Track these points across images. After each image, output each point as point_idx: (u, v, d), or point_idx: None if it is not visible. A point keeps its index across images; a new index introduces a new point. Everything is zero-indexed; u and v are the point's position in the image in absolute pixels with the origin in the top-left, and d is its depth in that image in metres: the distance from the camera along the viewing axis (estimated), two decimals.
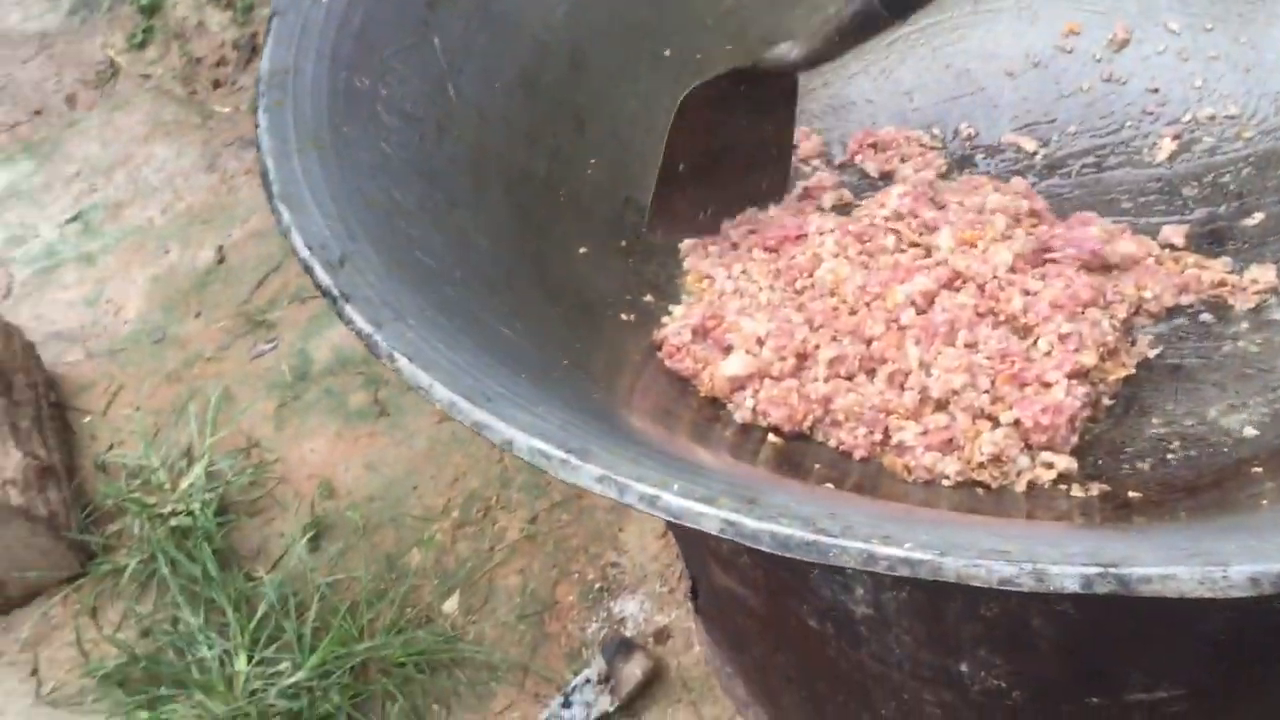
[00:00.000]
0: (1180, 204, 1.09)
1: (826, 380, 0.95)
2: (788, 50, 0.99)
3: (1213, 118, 1.11)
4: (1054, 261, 1.02)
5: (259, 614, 1.49)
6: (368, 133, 0.90)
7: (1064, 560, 0.53)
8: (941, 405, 0.93)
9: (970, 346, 0.95)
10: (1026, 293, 0.98)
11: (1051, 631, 0.87)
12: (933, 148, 1.18)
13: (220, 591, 1.52)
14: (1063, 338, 0.94)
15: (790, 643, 1.11)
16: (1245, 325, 0.98)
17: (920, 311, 0.98)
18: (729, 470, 0.78)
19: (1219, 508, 0.80)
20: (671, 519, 0.60)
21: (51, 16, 2.53)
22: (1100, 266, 1.02)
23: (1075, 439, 0.90)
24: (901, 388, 0.94)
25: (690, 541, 1.20)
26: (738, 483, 0.63)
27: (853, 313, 1.00)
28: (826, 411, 0.93)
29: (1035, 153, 1.15)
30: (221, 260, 2.01)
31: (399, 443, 1.70)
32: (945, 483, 0.88)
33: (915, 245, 1.07)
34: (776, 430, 0.93)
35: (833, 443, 0.93)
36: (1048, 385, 0.91)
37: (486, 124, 1.02)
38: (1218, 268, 1.02)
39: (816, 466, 0.92)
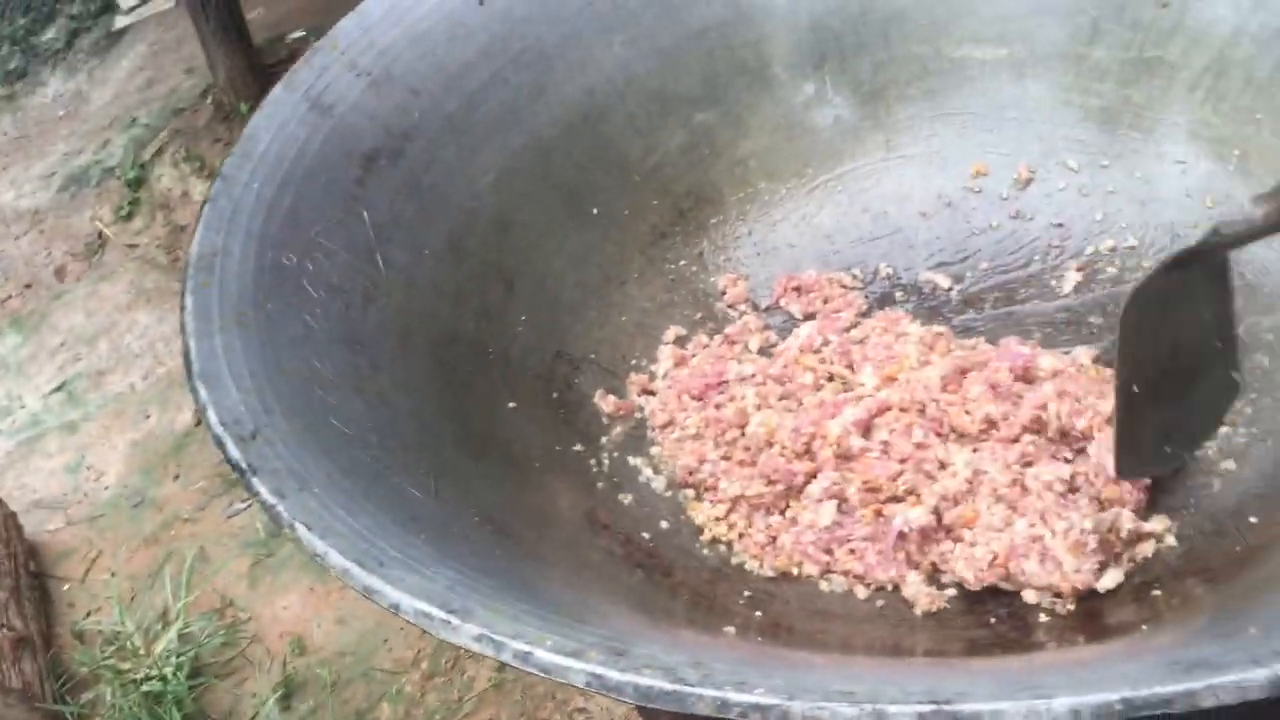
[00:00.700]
0: (1088, 332, 1.13)
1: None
2: (1250, 210, 0.80)
3: (1114, 249, 1.17)
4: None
5: None
6: (291, 306, 0.95)
7: (903, 699, 0.55)
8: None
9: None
10: (966, 410, 1.01)
11: None
12: (854, 288, 1.23)
13: None
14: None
15: None
16: None
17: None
18: (628, 620, 0.80)
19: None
20: (543, 674, 0.62)
21: (43, 194, 2.64)
22: (1027, 379, 1.05)
23: None
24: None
25: None
26: (613, 635, 0.66)
27: (798, 457, 1.04)
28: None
29: (950, 289, 1.20)
30: (199, 423, 2.06)
31: None
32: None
33: (831, 379, 1.11)
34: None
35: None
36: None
37: (414, 289, 1.07)
38: None
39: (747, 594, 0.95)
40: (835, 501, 0.99)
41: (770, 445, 1.06)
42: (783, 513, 1.02)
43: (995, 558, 0.91)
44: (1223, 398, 0.93)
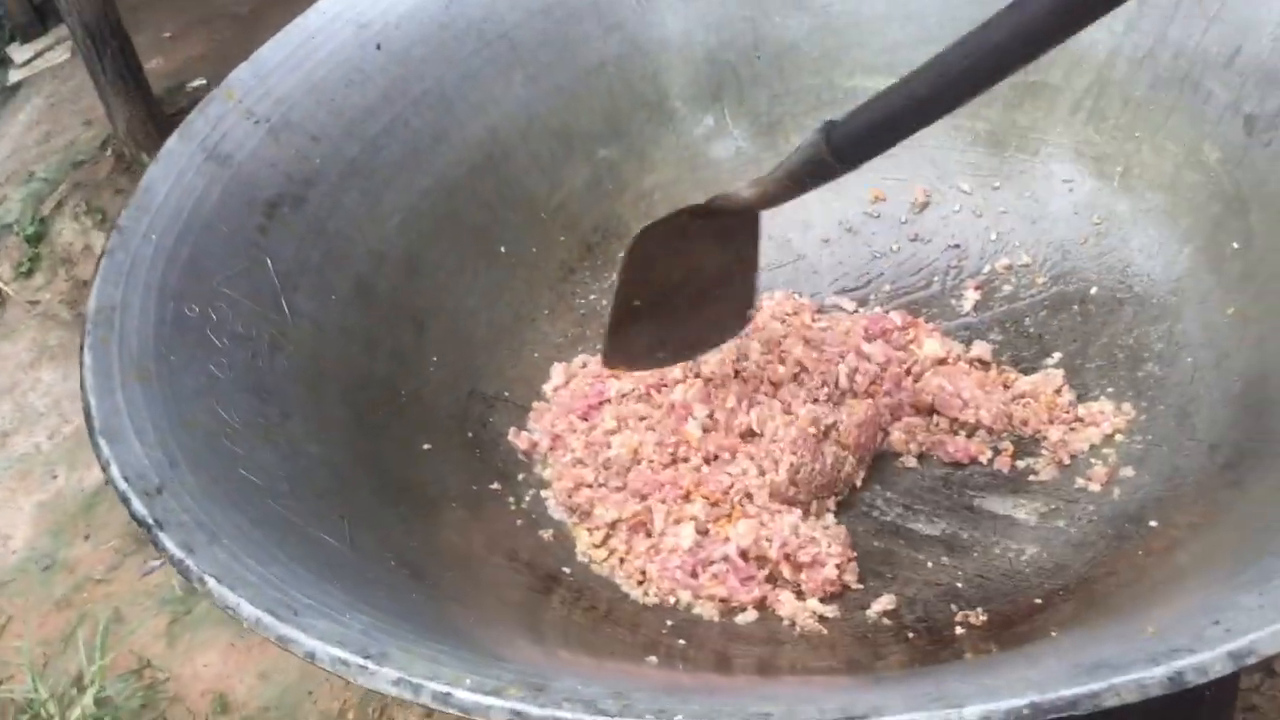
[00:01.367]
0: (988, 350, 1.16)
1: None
2: (742, 189, 0.98)
3: (1009, 267, 1.20)
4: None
5: None
6: (195, 358, 0.93)
7: (818, 717, 0.56)
8: None
9: None
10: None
11: None
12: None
13: None
14: None
15: None
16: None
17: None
18: (543, 652, 0.80)
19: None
20: (464, 713, 0.62)
21: None
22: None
23: None
24: None
25: None
26: (531, 671, 0.66)
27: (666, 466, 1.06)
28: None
29: (854, 311, 1.23)
30: (109, 480, 2.00)
31: None
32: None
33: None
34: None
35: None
36: None
37: (323, 335, 1.06)
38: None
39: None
40: (692, 524, 1.00)
41: (638, 462, 1.07)
42: (649, 536, 1.02)
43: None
44: (730, 326, 1.07)
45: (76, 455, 2.07)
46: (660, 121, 1.32)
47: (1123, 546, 0.94)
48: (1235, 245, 1.04)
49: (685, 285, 1.05)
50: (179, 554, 0.73)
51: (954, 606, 0.94)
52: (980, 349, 1.14)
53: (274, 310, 1.04)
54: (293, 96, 1.15)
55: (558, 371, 1.20)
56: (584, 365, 1.21)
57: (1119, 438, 1.03)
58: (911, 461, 1.07)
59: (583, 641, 0.91)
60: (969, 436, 1.07)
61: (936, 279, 1.23)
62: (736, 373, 1.10)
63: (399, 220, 1.18)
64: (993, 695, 0.55)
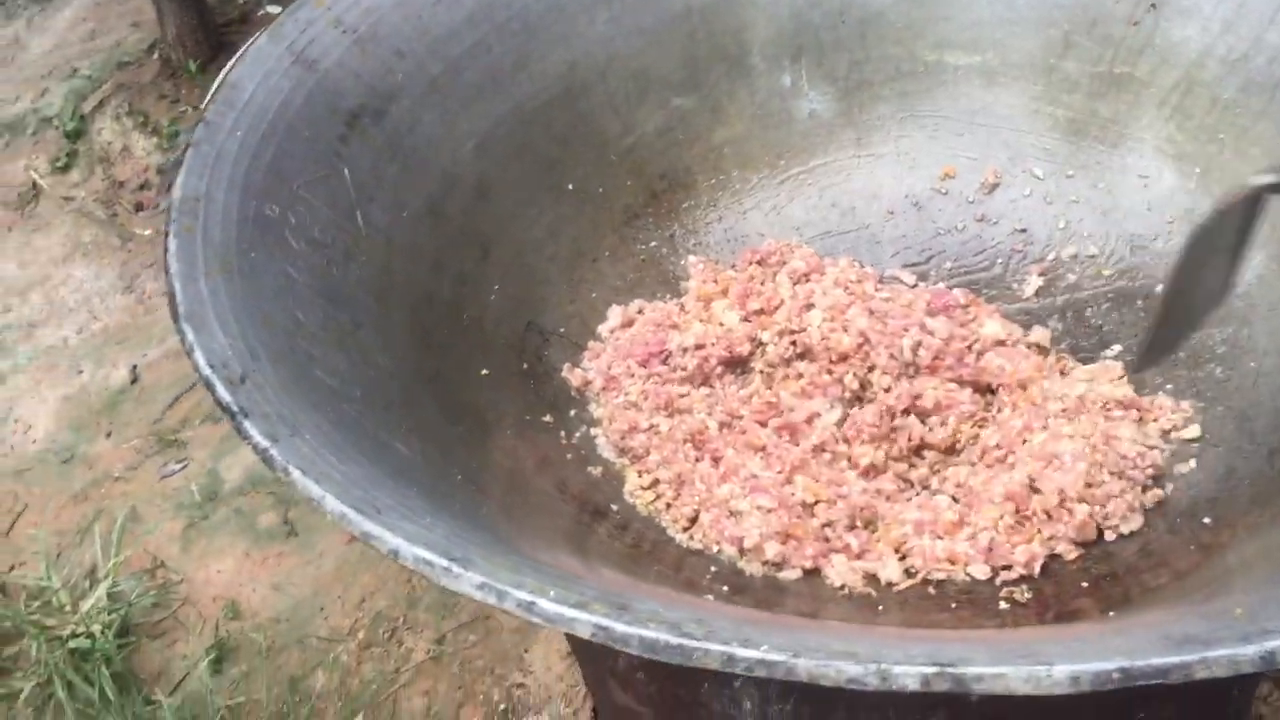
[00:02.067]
0: (1047, 336, 1.16)
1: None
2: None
3: (1075, 256, 1.20)
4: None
5: None
6: (274, 258, 0.94)
7: (906, 661, 0.57)
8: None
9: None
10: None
11: None
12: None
13: (117, 715, 1.49)
14: None
15: None
16: None
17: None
18: (606, 579, 0.81)
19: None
20: (547, 623, 0.63)
21: None
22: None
23: None
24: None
25: (589, 659, 1.21)
26: (611, 591, 0.67)
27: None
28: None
29: (914, 285, 1.23)
30: (135, 380, 2.01)
31: (307, 563, 1.70)
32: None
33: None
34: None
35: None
36: None
37: (393, 250, 1.07)
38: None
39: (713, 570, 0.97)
40: (751, 491, 1.01)
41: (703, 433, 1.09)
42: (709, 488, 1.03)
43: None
44: (1202, 309, 0.98)
45: (103, 353, 2.07)
46: (738, 75, 1.31)
47: (1173, 541, 0.94)
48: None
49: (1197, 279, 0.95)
50: (264, 443, 0.73)
51: (998, 581, 0.95)
52: (1039, 334, 1.15)
53: (349, 220, 1.04)
54: (381, 8, 1.14)
55: (615, 313, 1.20)
56: (640, 311, 1.21)
57: (1175, 434, 1.03)
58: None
59: (627, 570, 0.92)
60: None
61: (1000, 261, 1.23)
62: (800, 349, 1.11)
63: (473, 145, 1.18)
64: (1082, 657, 0.56)
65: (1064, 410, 1.03)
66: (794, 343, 1.13)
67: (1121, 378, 1.08)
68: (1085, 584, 0.92)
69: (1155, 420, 1.04)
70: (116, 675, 1.54)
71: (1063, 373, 1.11)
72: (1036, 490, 0.97)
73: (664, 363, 1.15)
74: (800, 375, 1.12)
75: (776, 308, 1.18)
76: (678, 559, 1.00)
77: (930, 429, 1.07)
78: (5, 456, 1.92)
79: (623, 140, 1.29)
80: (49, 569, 1.68)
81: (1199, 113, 1.15)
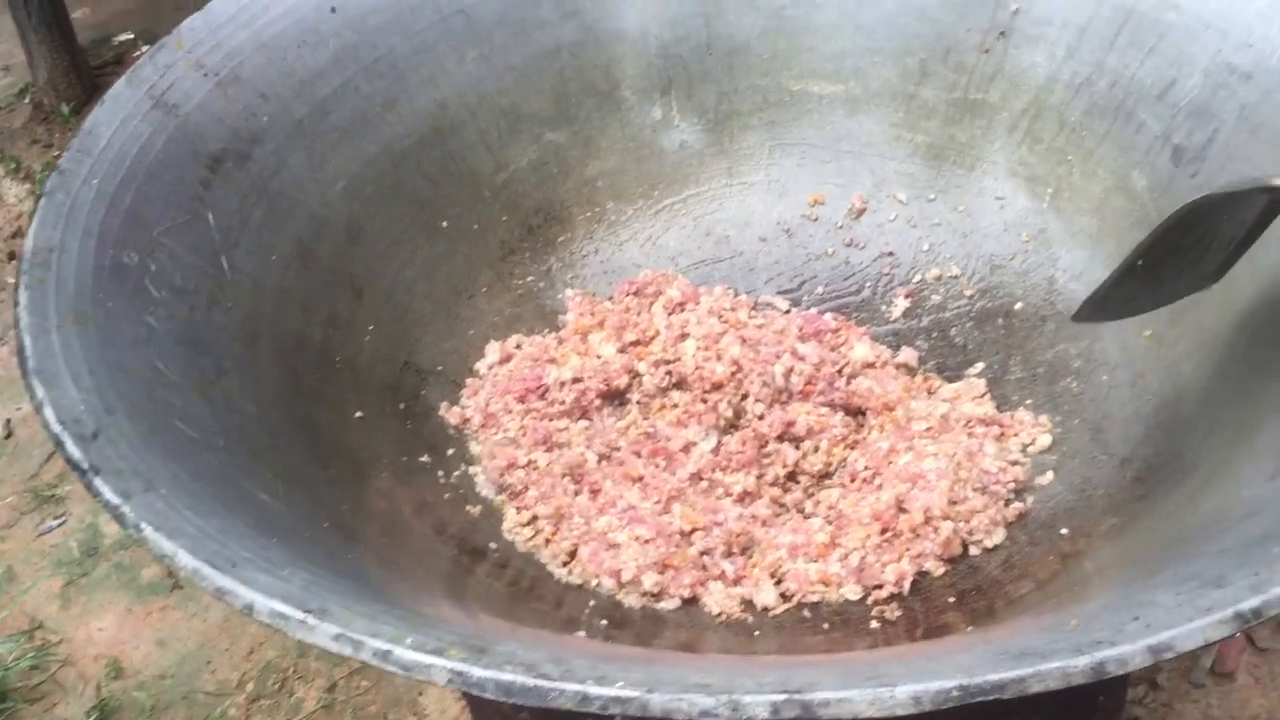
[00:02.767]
0: (915, 357, 1.19)
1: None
2: None
3: (939, 278, 1.24)
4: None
5: None
6: (133, 306, 0.92)
7: (756, 690, 0.58)
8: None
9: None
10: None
11: None
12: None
13: None
14: None
15: None
16: None
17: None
18: (483, 624, 0.81)
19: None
20: (404, 671, 0.62)
21: None
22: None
23: None
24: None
25: (478, 701, 1.20)
26: (471, 634, 0.66)
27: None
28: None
29: (788, 311, 1.25)
30: (9, 435, 1.95)
31: (192, 616, 1.67)
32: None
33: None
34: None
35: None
36: None
37: (261, 294, 1.05)
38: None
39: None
40: (629, 522, 1.02)
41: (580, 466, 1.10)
42: (588, 521, 1.04)
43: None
44: (1187, 286, 0.98)
45: None
46: (609, 110, 1.33)
47: (1034, 552, 0.97)
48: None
49: (1179, 254, 0.97)
50: (115, 500, 0.72)
51: (870, 601, 0.97)
52: (907, 355, 1.18)
53: (213, 265, 1.03)
54: (244, 51, 1.13)
55: (493, 349, 1.21)
56: (518, 346, 1.22)
57: (1033, 448, 1.07)
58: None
59: (507, 613, 0.92)
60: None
61: (868, 285, 1.26)
62: (675, 379, 1.13)
63: (343, 186, 1.17)
64: (924, 676, 0.57)
65: (929, 430, 1.06)
66: (669, 373, 1.15)
67: (984, 395, 1.11)
68: (952, 599, 0.95)
69: (1016, 435, 1.07)
70: None
71: (930, 392, 1.14)
72: (903, 510, 0.99)
73: (541, 397, 1.15)
74: (675, 405, 1.13)
75: (652, 338, 1.19)
76: (558, 595, 1.00)
77: (804, 454, 1.09)
78: None
79: (496, 177, 1.29)
80: None
81: (1048, 136, 1.19)
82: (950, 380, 1.15)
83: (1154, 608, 0.62)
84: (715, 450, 1.09)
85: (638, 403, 1.15)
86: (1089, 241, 1.16)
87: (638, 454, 1.09)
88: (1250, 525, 0.72)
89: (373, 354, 1.13)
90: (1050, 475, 1.03)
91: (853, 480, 1.05)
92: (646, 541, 1.00)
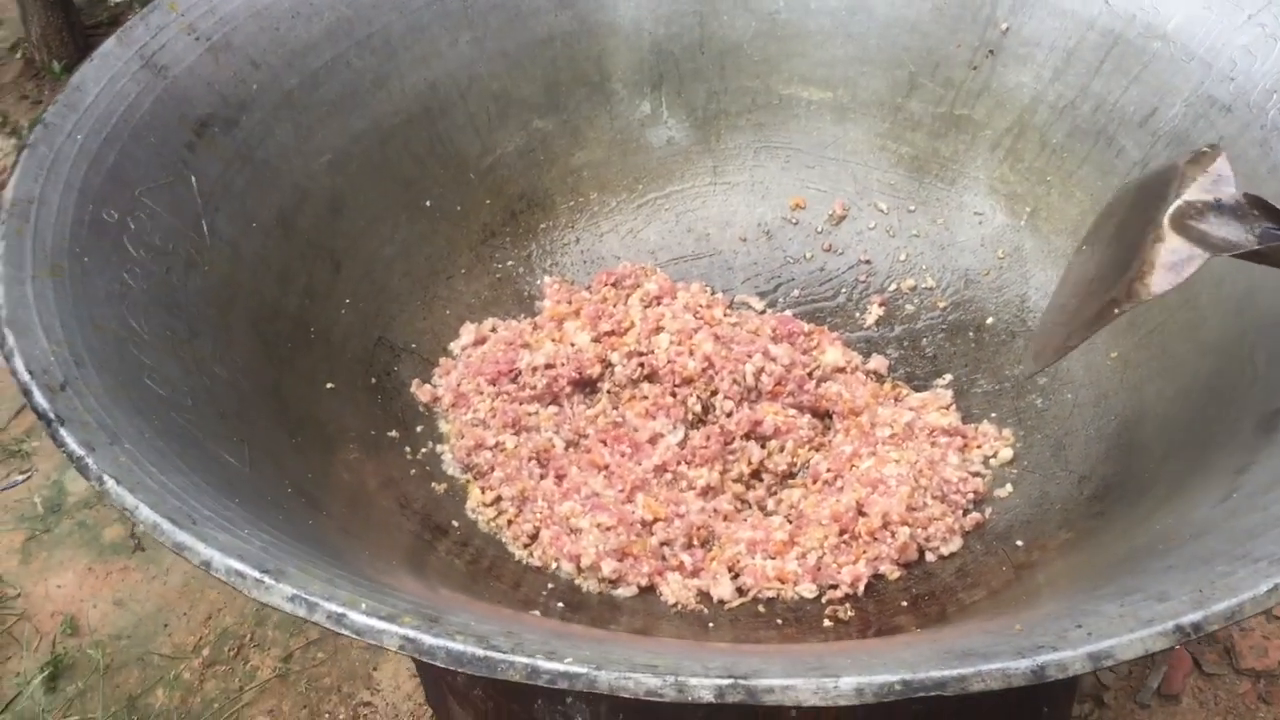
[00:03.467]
0: (885, 364, 1.20)
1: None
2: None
3: (914, 288, 1.25)
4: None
5: None
6: (110, 263, 0.92)
7: (703, 673, 0.59)
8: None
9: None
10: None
11: None
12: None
13: None
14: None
15: None
16: None
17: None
18: (442, 597, 0.82)
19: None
20: (357, 636, 0.63)
21: None
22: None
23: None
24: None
25: (430, 677, 1.21)
26: (425, 604, 0.67)
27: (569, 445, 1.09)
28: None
29: (763, 311, 1.26)
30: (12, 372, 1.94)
31: (152, 578, 1.66)
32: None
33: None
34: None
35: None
36: None
37: (239, 260, 1.05)
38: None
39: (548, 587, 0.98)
40: (592, 509, 1.03)
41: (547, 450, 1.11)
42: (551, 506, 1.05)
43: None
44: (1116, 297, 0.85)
45: None
46: (599, 101, 1.34)
47: (989, 561, 0.99)
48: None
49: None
50: (79, 452, 0.72)
51: (824, 600, 0.98)
52: (877, 362, 1.19)
53: (193, 229, 1.03)
54: (237, 18, 1.13)
55: (468, 331, 1.21)
56: (493, 329, 1.22)
57: (995, 461, 1.08)
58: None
59: (466, 590, 0.93)
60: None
61: (844, 291, 1.28)
62: (646, 371, 1.14)
63: (328, 159, 1.17)
64: (868, 669, 0.58)
65: (893, 436, 1.07)
66: (642, 364, 1.16)
67: (950, 406, 1.13)
68: (905, 603, 0.96)
69: (979, 447, 1.08)
70: None
71: (897, 400, 1.15)
72: (863, 513, 1.00)
73: (513, 381, 1.16)
74: (645, 397, 1.14)
75: (627, 330, 1.20)
76: (516, 576, 1.01)
77: (769, 453, 1.10)
78: None
79: (482, 160, 1.30)
80: None
81: (1029, 155, 1.21)
82: (918, 389, 1.17)
83: (1097, 617, 0.63)
84: (682, 444, 1.10)
85: (608, 392, 1.16)
86: (1063, 262, 1.17)
87: (605, 442, 1.10)
88: (1198, 545, 0.74)
89: (347, 328, 1.14)
90: (1010, 488, 1.05)
91: (815, 481, 1.06)
92: (608, 529, 1.00)
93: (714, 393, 1.13)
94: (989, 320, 1.20)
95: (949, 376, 1.17)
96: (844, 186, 1.31)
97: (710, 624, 0.96)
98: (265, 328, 1.04)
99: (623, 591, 0.99)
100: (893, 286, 1.26)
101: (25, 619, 1.62)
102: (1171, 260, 0.79)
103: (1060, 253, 1.18)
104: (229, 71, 1.12)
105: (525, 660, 0.60)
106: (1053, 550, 0.94)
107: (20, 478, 1.80)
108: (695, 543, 1.03)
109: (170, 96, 1.07)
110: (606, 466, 1.08)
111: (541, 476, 1.08)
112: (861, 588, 0.97)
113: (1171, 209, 0.81)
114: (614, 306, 1.23)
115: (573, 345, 1.19)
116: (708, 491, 1.07)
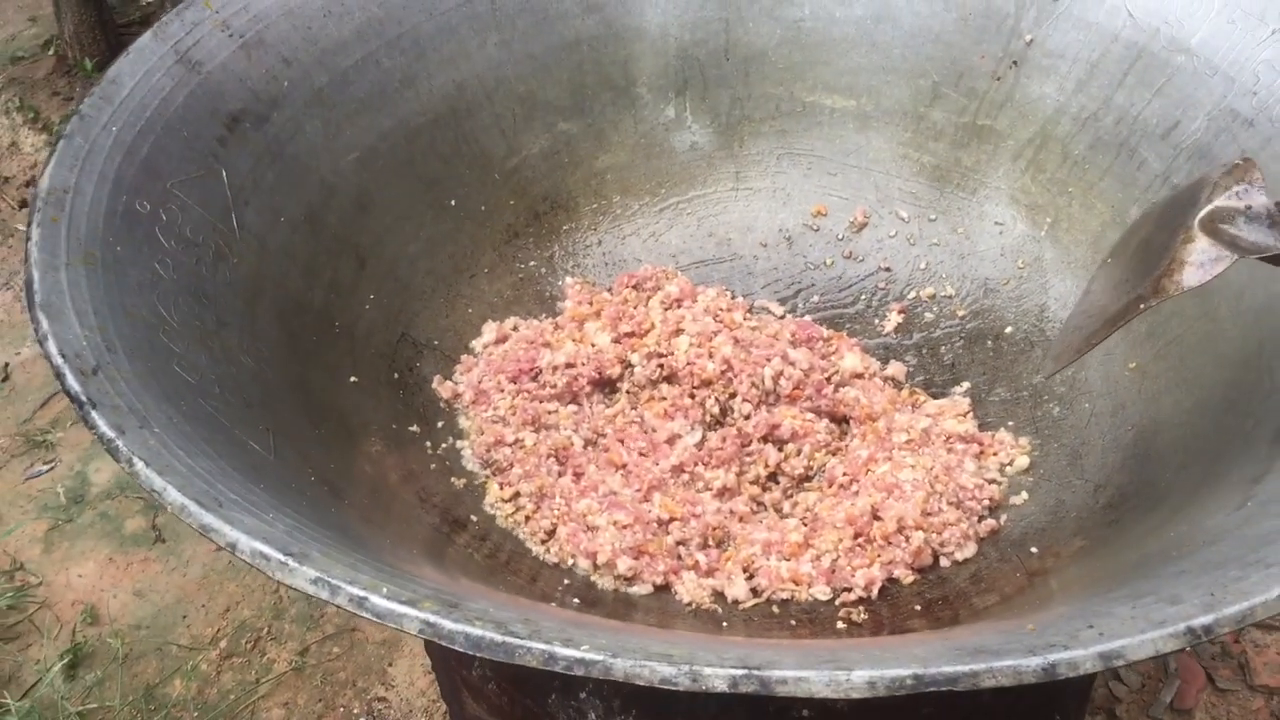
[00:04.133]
0: (903, 371, 1.21)
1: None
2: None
3: (933, 296, 1.26)
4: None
5: None
6: (142, 253, 0.94)
7: (717, 663, 0.60)
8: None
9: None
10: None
11: None
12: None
13: None
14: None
15: None
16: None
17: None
18: (461, 586, 0.83)
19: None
20: (378, 619, 0.64)
21: None
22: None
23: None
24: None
25: (444, 670, 1.22)
26: (445, 590, 0.68)
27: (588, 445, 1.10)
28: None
29: (782, 316, 1.27)
30: (6, 378, 1.97)
31: (172, 570, 1.68)
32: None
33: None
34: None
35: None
36: None
37: (267, 254, 1.07)
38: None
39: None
40: (609, 507, 1.04)
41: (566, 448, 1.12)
42: (569, 503, 1.06)
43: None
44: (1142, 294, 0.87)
45: None
46: (623, 105, 1.35)
47: (1002, 567, 0.99)
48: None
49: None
50: (110, 434, 0.73)
51: (838, 602, 0.99)
52: (895, 368, 1.20)
53: (223, 221, 1.04)
54: (270, 15, 1.15)
55: (490, 329, 1.23)
56: (515, 327, 1.24)
57: (1011, 468, 1.09)
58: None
59: (483, 580, 0.94)
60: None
61: (864, 297, 1.28)
62: (666, 373, 1.15)
63: (356, 157, 1.19)
64: (880, 664, 0.59)
65: (909, 442, 1.08)
66: (661, 366, 1.17)
67: (967, 413, 1.13)
68: (919, 606, 0.96)
69: (995, 455, 1.09)
70: None
71: (914, 406, 1.16)
72: (878, 517, 1.01)
73: (534, 379, 1.17)
74: (664, 398, 1.15)
75: (647, 331, 1.21)
76: (533, 571, 1.02)
77: (786, 456, 1.11)
78: None
79: (507, 161, 1.31)
80: None
81: (1051, 166, 1.21)
82: (936, 396, 1.17)
83: (1109, 618, 0.64)
84: (699, 445, 1.11)
85: (627, 392, 1.17)
86: (1083, 273, 1.18)
87: (623, 442, 1.11)
88: (1211, 551, 0.74)
89: (371, 323, 1.15)
90: (1025, 495, 1.05)
91: (831, 485, 1.07)
92: (624, 527, 1.01)
93: (732, 395, 1.14)
94: (1008, 329, 1.20)
95: (966, 384, 1.18)
96: (865, 194, 1.32)
97: (724, 623, 0.97)
98: (291, 320, 1.06)
99: (638, 589, 1.00)
100: (912, 294, 1.27)
101: (46, 607, 1.64)
102: (1200, 259, 0.80)
103: (1080, 264, 1.19)
104: (261, 68, 1.13)
105: (542, 646, 0.61)
106: (1066, 557, 0.95)
107: (44, 468, 1.82)
108: (711, 543, 1.04)
109: (203, 91, 1.08)
110: (624, 465, 1.09)
111: (560, 474, 1.09)
112: (875, 591, 0.98)
113: (1202, 213, 0.82)
114: (635, 308, 1.24)
115: (593, 345, 1.20)
116: (724, 492, 1.08)
